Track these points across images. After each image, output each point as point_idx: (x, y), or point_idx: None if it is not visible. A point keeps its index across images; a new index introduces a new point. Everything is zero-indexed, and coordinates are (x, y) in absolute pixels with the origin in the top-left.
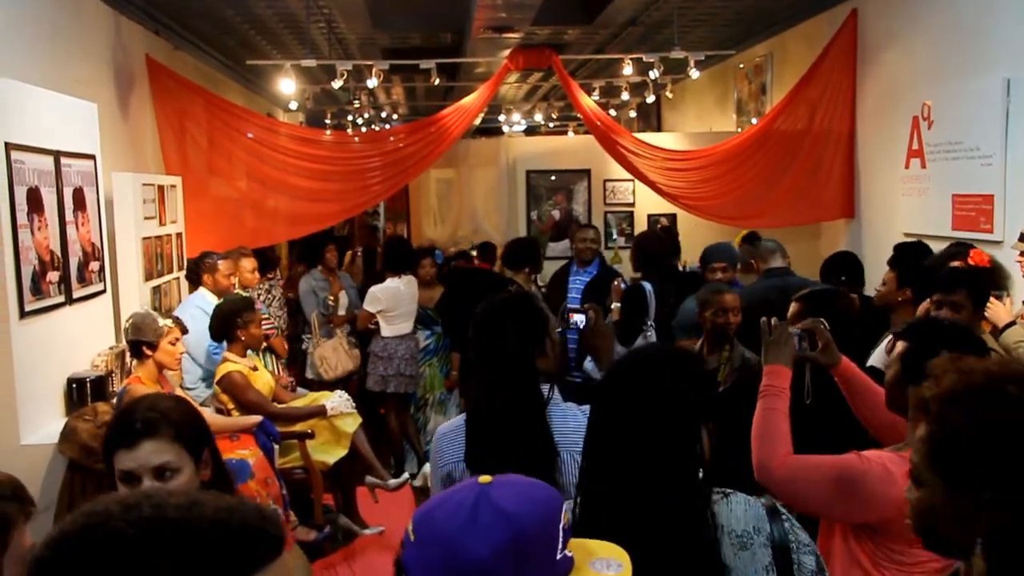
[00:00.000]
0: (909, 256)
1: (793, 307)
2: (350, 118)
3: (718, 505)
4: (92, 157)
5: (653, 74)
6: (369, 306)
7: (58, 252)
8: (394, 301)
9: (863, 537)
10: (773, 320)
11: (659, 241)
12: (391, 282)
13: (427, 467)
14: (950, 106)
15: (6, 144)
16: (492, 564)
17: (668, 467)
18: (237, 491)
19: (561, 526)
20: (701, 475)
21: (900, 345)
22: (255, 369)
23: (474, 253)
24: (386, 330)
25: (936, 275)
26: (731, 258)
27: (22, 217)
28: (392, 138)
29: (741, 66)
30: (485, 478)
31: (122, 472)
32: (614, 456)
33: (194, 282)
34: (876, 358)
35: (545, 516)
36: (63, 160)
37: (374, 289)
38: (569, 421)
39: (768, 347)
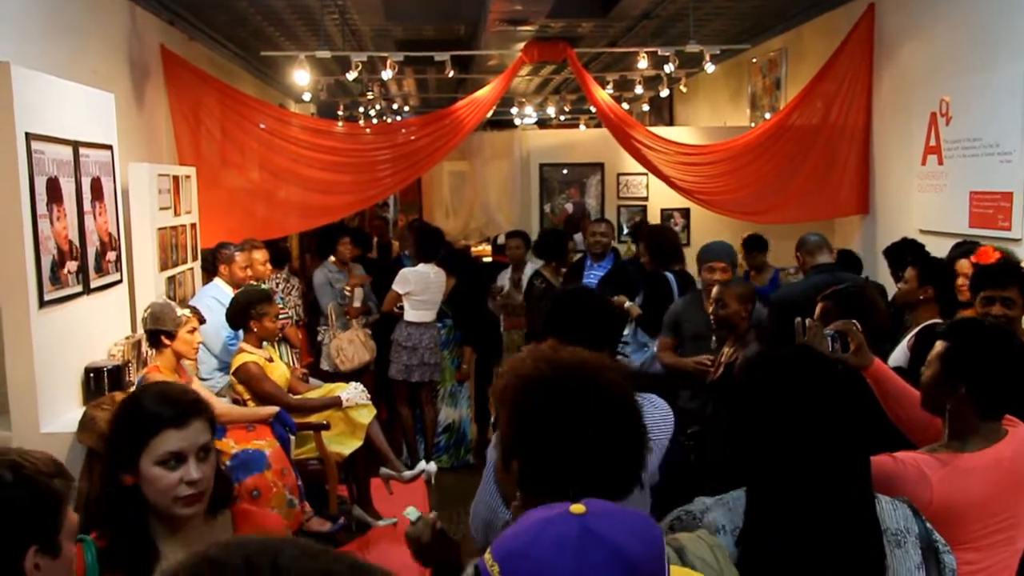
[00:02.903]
0: (900, 255)
1: (820, 306)
2: (361, 110)
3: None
4: (109, 147)
5: (668, 68)
6: (398, 286)
7: (76, 242)
8: (422, 285)
9: None
10: (807, 320)
11: (670, 233)
12: (422, 267)
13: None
14: (969, 102)
15: (27, 134)
16: None
17: (839, 474)
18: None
19: (666, 558)
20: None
21: (940, 345)
22: (271, 360)
23: (486, 247)
24: (410, 315)
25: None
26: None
27: (41, 207)
28: (404, 130)
29: (754, 60)
30: (578, 508)
31: (168, 453)
32: (783, 459)
33: (210, 272)
34: (897, 356)
35: (657, 550)
36: (81, 150)
37: (405, 271)
38: (655, 412)
39: None
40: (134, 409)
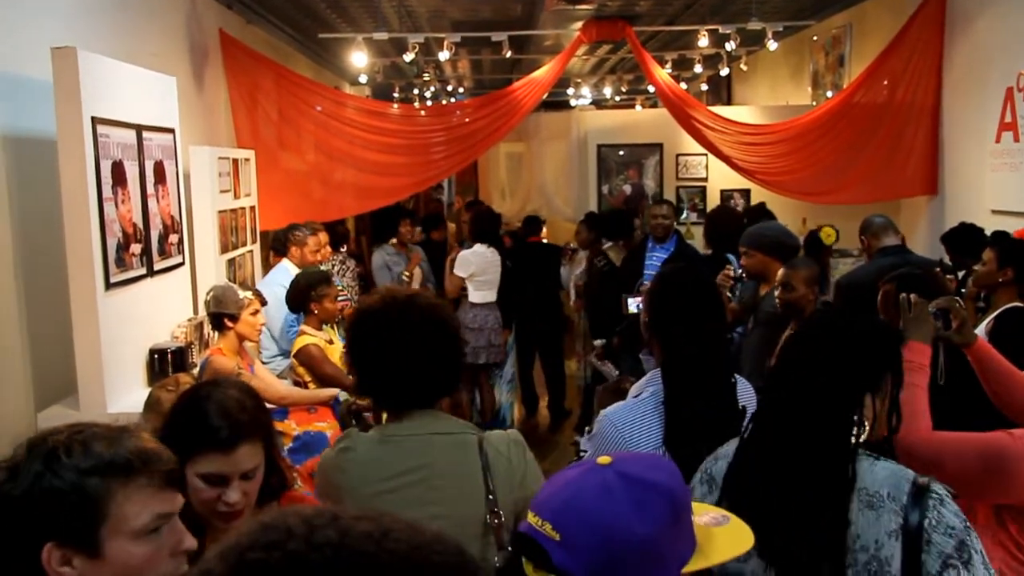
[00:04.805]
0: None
1: (882, 290)
2: (416, 91)
3: (861, 463)
4: (172, 131)
5: (729, 46)
6: (460, 270)
7: (140, 225)
8: (482, 265)
9: (1007, 520)
10: (913, 296)
11: (733, 216)
12: (478, 247)
13: None
14: None
15: (92, 118)
16: (659, 536)
17: (823, 428)
18: (289, 478)
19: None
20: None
21: None
22: (331, 342)
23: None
24: (474, 296)
25: None
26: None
27: (107, 190)
28: (459, 112)
29: (815, 38)
30: (604, 459)
31: (209, 474)
32: (777, 414)
33: (280, 253)
34: None
35: (682, 482)
36: (144, 134)
37: (465, 253)
38: (746, 391)
39: (908, 324)
40: (192, 413)
